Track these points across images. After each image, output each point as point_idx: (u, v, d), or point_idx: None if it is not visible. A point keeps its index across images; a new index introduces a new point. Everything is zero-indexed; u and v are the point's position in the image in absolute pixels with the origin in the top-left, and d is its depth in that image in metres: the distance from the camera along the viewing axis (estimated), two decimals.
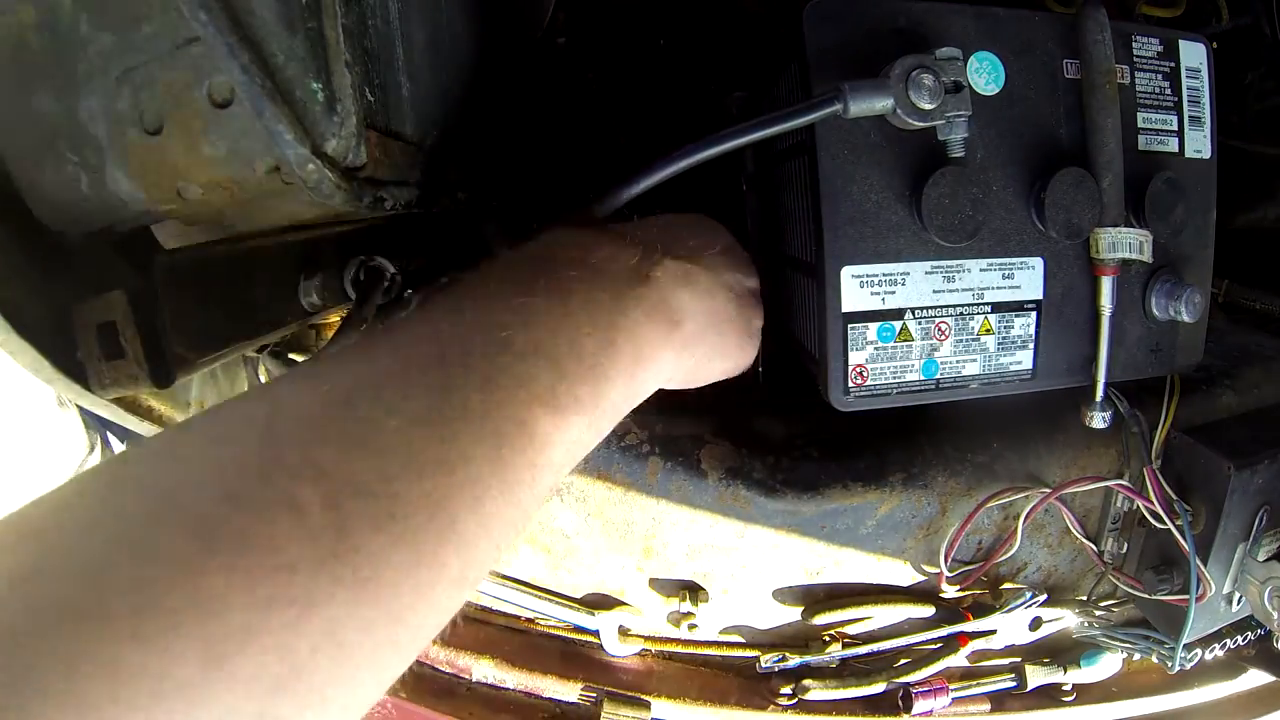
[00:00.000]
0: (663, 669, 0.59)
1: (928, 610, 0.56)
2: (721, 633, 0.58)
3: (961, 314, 0.42)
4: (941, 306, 0.42)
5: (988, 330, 0.43)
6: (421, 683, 0.57)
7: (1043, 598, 0.57)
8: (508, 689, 0.57)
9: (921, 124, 0.37)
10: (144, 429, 0.41)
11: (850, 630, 0.57)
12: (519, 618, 0.60)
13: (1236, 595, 0.50)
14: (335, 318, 0.51)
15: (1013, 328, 0.43)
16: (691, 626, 0.56)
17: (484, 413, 0.23)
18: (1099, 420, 0.45)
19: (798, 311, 0.48)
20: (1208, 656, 0.56)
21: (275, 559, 0.18)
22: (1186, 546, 0.47)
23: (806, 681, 0.56)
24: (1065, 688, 0.61)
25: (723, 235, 0.42)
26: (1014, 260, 0.42)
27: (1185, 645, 0.52)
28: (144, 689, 0.16)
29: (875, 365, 0.42)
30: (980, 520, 0.52)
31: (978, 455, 0.52)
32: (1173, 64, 0.44)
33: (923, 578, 0.55)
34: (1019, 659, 0.61)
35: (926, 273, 0.41)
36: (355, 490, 0.20)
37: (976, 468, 0.51)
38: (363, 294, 0.45)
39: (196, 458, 0.20)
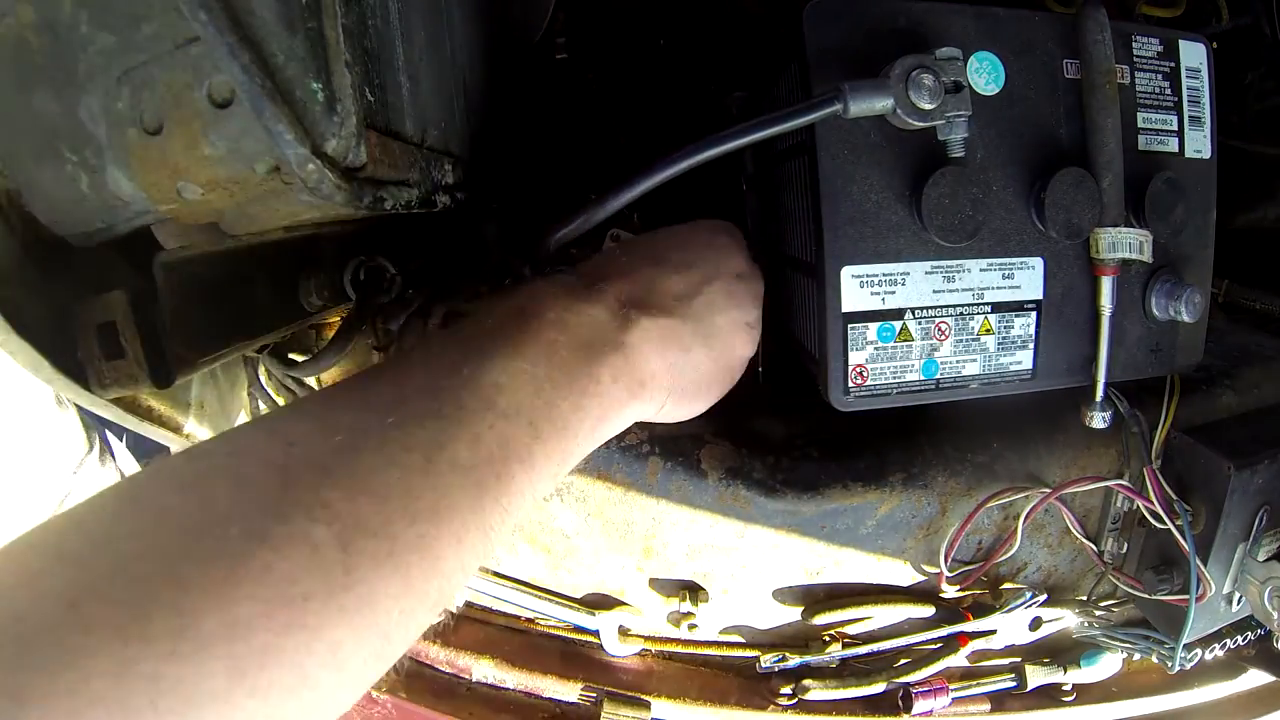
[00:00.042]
0: (663, 669, 0.59)
1: (928, 610, 0.56)
2: (721, 633, 0.58)
3: (961, 314, 0.42)
4: (941, 306, 0.42)
5: (988, 330, 0.43)
6: (421, 683, 0.57)
7: (1043, 598, 0.57)
8: (508, 689, 0.57)
9: (921, 124, 0.37)
10: (144, 429, 0.41)
11: (850, 630, 0.57)
12: (519, 618, 0.60)
13: (1236, 595, 0.50)
14: (335, 318, 0.51)
15: (1013, 328, 0.43)
16: (691, 626, 0.56)
17: (470, 467, 0.27)
18: (1099, 420, 0.45)
19: (798, 311, 0.48)
20: (1208, 656, 0.56)
21: (292, 589, 0.21)
22: (1186, 546, 0.47)
23: (806, 681, 0.56)
24: (1065, 688, 0.61)
25: (731, 261, 0.41)
26: (1014, 260, 0.42)
27: (1185, 645, 0.52)
28: (180, 697, 0.19)
29: (875, 365, 0.42)
30: (980, 520, 0.52)
31: (978, 455, 0.52)
32: (1173, 64, 0.44)
33: (923, 578, 0.55)
34: (1019, 659, 0.61)
35: (926, 273, 0.41)
36: (361, 531, 0.23)
37: (976, 468, 0.51)
38: (363, 294, 0.45)
39: (224, 497, 0.23)
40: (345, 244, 0.45)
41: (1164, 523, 0.48)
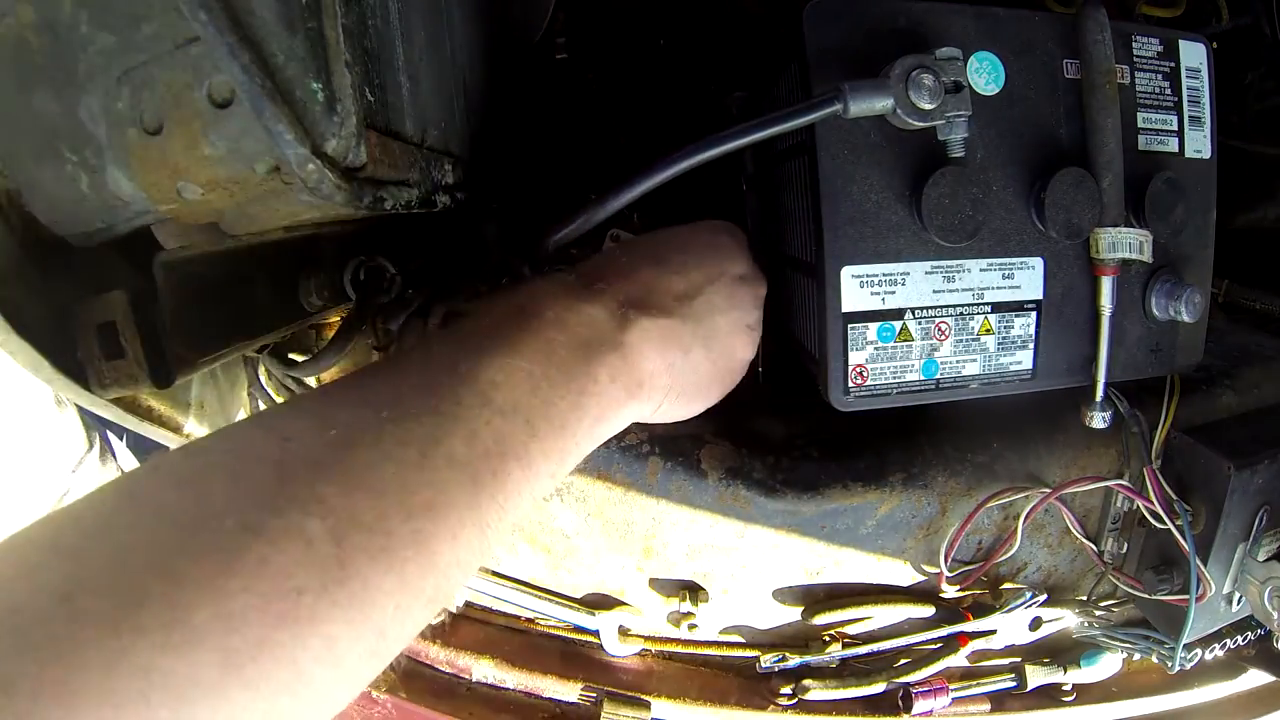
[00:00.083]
0: (663, 669, 0.59)
1: (928, 610, 0.56)
2: (721, 633, 0.58)
3: (961, 314, 0.42)
4: (941, 306, 0.42)
5: (988, 330, 0.43)
6: (421, 683, 0.57)
7: (1043, 598, 0.57)
8: (508, 689, 0.57)
9: (921, 124, 0.37)
10: (144, 429, 0.41)
11: (850, 630, 0.57)
12: (519, 618, 0.60)
13: (1236, 595, 0.50)
14: (335, 318, 0.51)
15: (1013, 328, 0.43)
16: (691, 626, 0.56)
17: (466, 463, 0.27)
18: (1099, 420, 0.45)
19: (798, 311, 0.48)
20: (1208, 656, 0.56)
21: (287, 583, 0.21)
22: (1186, 546, 0.47)
23: (806, 681, 0.56)
24: (1065, 688, 0.61)
25: (733, 263, 0.41)
26: (1014, 260, 0.42)
27: (1185, 645, 0.52)
28: (171, 690, 0.19)
29: (875, 365, 0.42)
30: (980, 520, 0.52)
31: (978, 455, 0.52)
32: (1173, 64, 0.44)
33: (923, 578, 0.55)
34: (1019, 659, 0.61)
35: (926, 273, 0.41)
36: (356, 525, 0.23)
37: (976, 468, 0.51)
38: (363, 294, 0.45)
39: (219, 491, 0.23)
40: (345, 244, 0.45)
41: (1164, 523, 0.48)
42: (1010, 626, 0.58)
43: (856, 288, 0.41)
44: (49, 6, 0.26)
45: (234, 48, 0.23)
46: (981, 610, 0.56)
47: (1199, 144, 0.45)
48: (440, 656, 0.57)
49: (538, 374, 0.30)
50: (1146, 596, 0.50)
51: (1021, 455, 0.52)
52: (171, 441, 0.44)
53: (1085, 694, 0.61)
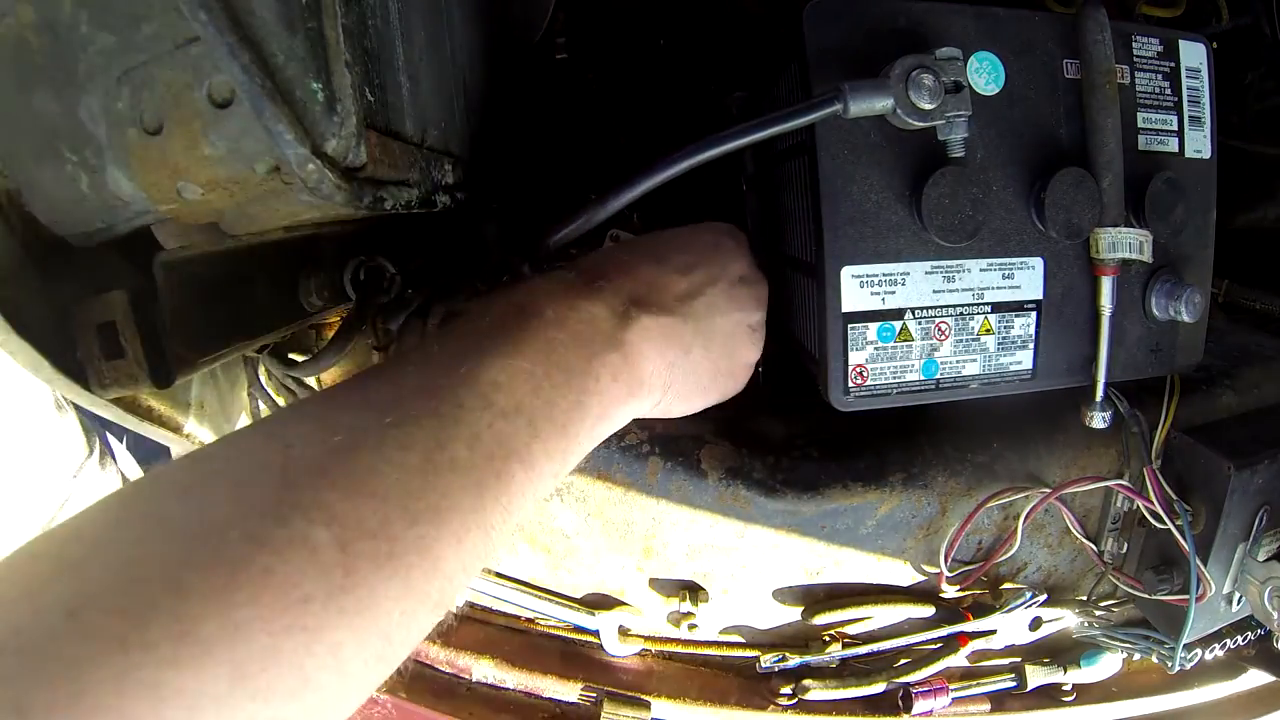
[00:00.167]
0: (663, 669, 0.59)
1: (928, 610, 0.56)
2: (721, 633, 0.58)
3: (961, 314, 0.42)
4: (941, 306, 0.42)
5: (988, 330, 0.43)
6: (421, 683, 0.57)
7: (1043, 598, 0.57)
8: (508, 689, 0.57)
9: (921, 124, 0.37)
10: (144, 429, 0.41)
11: (850, 630, 0.57)
12: (519, 618, 0.60)
13: (1236, 595, 0.50)
14: (335, 318, 0.51)
15: (1013, 328, 0.43)
16: (691, 626, 0.56)
17: (469, 466, 0.27)
18: (1099, 420, 0.45)
19: (798, 311, 0.48)
20: (1208, 656, 0.56)
21: (292, 593, 0.21)
22: (1186, 546, 0.47)
23: (806, 681, 0.56)
24: (1065, 688, 0.61)
25: (734, 264, 0.41)
26: (1014, 260, 0.42)
27: (1185, 645, 0.52)
28: (183, 704, 0.19)
29: (875, 365, 0.42)
30: (980, 520, 0.52)
31: (978, 455, 0.52)
32: (1173, 64, 0.44)
33: (923, 578, 0.55)
34: (1019, 659, 0.61)
35: (926, 273, 0.41)
36: (360, 532, 0.23)
37: (976, 468, 0.51)
38: (363, 294, 0.45)
39: (223, 501, 0.23)
40: (345, 244, 0.45)
41: (1164, 523, 0.48)
42: (1010, 626, 0.58)
43: (856, 288, 0.41)
44: (49, 6, 0.26)
45: (234, 48, 0.23)
46: (981, 610, 0.56)
47: (1199, 144, 0.45)
48: (440, 656, 0.57)
49: (539, 374, 0.30)
50: (1146, 596, 0.50)
51: (1021, 455, 0.52)
52: (172, 442, 0.44)
53: (1085, 694, 0.61)
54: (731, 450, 0.51)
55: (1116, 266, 0.42)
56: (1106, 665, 0.60)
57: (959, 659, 0.57)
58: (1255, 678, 0.62)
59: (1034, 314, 0.43)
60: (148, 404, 0.41)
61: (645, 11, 0.66)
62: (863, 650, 0.57)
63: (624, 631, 0.58)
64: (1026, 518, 0.51)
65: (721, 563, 0.53)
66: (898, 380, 0.43)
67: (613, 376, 0.33)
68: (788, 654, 0.57)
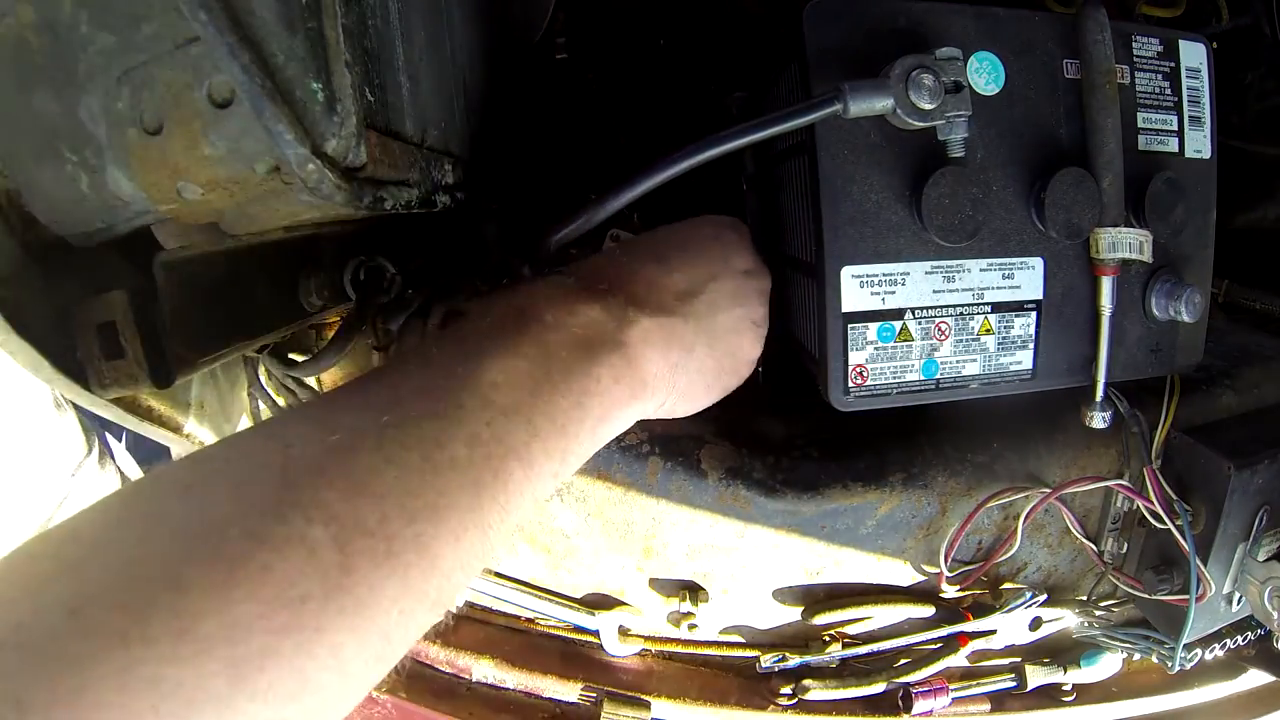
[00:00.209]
0: (663, 669, 0.59)
1: (928, 610, 0.56)
2: (721, 633, 0.58)
3: (961, 314, 0.42)
4: (941, 306, 0.42)
5: (988, 330, 0.43)
6: (421, 683, 0.57)
7: (1043, 598, 0.57)
8: (508, 689, 0.57)
9: (921, 124, 0.37)
10: (144, 429, 0.41)
11: (850, 630, 0.57)
12: (519, 618, 0.60)
13: (1236, 595, 0.50)
14: (335, 318, 0.51)
15: (1013, 328, 0.43)
16: (691, 626, 0.56)
17: (468, 465, 0.27)
18: (1099, 420, 0.45)
19: (798, 311, 0.48)
20: (1208, 656, 0.56)
21: (291, 591, 0.21)
22: (1186, 546, 0.47)
23: (806, 681, 0.56)
24: (1065, 688, 0.61)
25: (736, 258, 0.41)
26: (1014, 260, 0.42)
27: (1185, 645, 0.52)
28: (181, 700, 0.19)
29: (875, 365, 0.42)
30: (980, 520, 0.52)
31: (978, 455, 0.52)
32: (1173, 64, 0.44)
33: (923, 578, 0.55)
34: (1019, 659, 0.61)
35: (926, 273, 0.41)
36: (359, 530, 0.23)
37: (976, 468, 0.51)
38: (363, 294, 0.45)
39: (223, 500, 0.23)
40: (345, 244, 0.45)
41: (1164, 523, 0.48)
42: (1010, 626, 0.58)
43: (856, 288, 0.41)
44: (49, 6, 0.26)
45: (234, 48, 0.23)
46: (981, 610, 0.56)
47: (1199, 144, 0.45)
48: (440, 656, 0.57)
49: (538, 375, 0.30)
50: (1146, 596, 0.50)
51: (1021, 455, 0.52)
52: (172, 442, 0.44)
53: (1085, 694, 0.61)
54: (731, 450, 0.51)
55: (1116, 266, 0.42)
56: (1106, 665, 0.60)
57: (959, 659, 0.57)
58: (1255, 678, 0.62)
59: (1034, 314, 0.43)
60: (148, 404, 0.41)
61: (645, 11, 0.66)
62: (863, 650, 0.57)
63: (624, 631, 0.58)
64: (1026, 518, 0.51)
65: (721, 563, 0.53)
66: (898, 380, 0.43)
67: (614, 378, 0.33)
68: (788, 654, 0.57)
